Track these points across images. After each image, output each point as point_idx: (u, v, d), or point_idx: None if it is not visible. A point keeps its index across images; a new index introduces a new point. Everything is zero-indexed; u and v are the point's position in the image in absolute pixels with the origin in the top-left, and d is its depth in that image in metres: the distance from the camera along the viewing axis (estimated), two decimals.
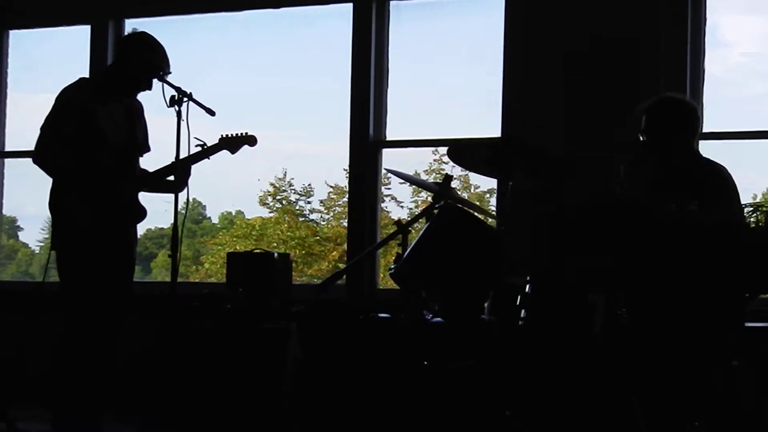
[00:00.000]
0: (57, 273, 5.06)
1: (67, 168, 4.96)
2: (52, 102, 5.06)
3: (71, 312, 4.96)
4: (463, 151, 4.75)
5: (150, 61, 5.02)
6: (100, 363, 5.02)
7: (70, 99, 5.02)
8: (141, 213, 5.19)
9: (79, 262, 4.96)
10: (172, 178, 5.18)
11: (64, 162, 4.96)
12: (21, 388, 6.08)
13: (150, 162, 5.36)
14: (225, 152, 5.30)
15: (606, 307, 4.25)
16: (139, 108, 5.26)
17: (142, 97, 5.27)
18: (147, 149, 5.29)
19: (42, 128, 5.01)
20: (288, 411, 5.37)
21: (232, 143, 5.30)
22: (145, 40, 5.12)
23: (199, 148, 5.16)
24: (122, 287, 5.10)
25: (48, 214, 5.06)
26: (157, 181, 5.21)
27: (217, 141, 5.26)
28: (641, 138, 4.62)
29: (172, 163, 5.04)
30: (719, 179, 4.50)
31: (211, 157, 5.24)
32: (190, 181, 5.12)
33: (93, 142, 4.96)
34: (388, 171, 5.97)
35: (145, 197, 5.25)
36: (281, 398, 5.39)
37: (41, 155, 5.02)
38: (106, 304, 5.00)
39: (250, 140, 5.35)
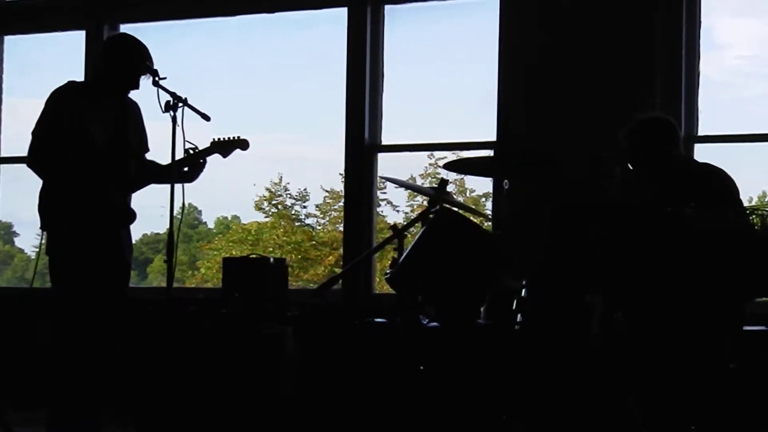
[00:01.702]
0: (49, 278, 5.04)
1: (60, 172, 4.94)
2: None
3: (63, 317, 4.94)
4: (461, 166, 4.78)
5: (138, 57, 5.00)
6: (97, 367, 5.00)
7: (58, 102, 5.00)
8: (130, 216, 5.16)
9: (68, 266, 4.94)
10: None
11: (57, 165, 4.94)
12: (17, 392, 6.07)
13: None
14: (218, 156, 5.28)
15: (603, 309, 4.25)
16: (133, 110, 5.22)
17: (139, 101, 5.25)
18: (145, 150, 5.27)
19: (33, 133, 4.99)
20: (285, 415, 5.36)
21: (224, 147, 5.27)
22: (128, 39, 5.10)
23: (191, 152, 5.15)
24: (116, 291, 5.07)
25: None
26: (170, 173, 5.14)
27: (208, 145, 5.25)
28: (628, 164, 4.65)
29: (165, 165, 5.03)
30: (715, 181, 4.50)
31: (207, 159, 5.23)
32: (188, 184, 5.12)
33: (81, 146, 4.94)
34: (384, 179, 5.96)
35: (142, 201, 5.25)
36: (278, 402, 5.39)
37: (35, 159, 5.00)
38: (100, 309, 4.98)
39: (242, 144, 5.31)
